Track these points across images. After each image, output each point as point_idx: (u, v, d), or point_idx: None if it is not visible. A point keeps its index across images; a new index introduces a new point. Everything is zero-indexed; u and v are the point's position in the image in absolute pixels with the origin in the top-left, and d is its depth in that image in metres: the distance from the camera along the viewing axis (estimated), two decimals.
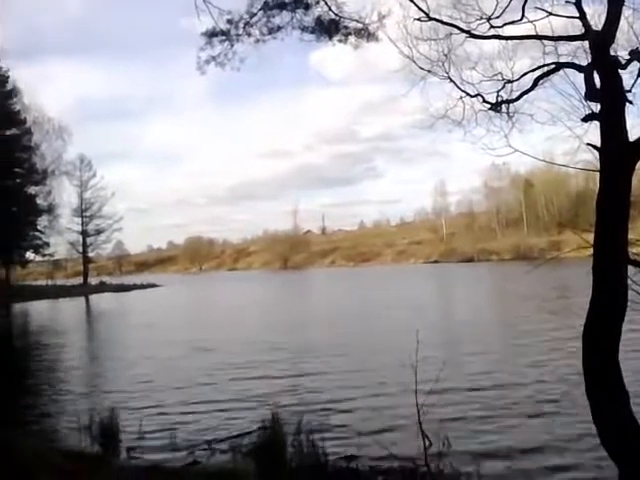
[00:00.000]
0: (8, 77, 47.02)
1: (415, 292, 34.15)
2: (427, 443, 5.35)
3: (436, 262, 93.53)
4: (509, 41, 8.33)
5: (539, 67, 8.13)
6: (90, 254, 69.42)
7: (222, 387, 10.69)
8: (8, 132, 46.37)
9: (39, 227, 55.51)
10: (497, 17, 8.02)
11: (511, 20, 8.06)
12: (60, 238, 61.04)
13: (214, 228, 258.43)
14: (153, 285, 65.40)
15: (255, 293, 43.21)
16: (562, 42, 7.17)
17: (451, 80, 8.85)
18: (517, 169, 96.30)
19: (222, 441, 7.38)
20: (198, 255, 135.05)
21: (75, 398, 10.52)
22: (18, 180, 49.87)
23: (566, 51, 7.46)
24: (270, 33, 8.50)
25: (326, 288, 47.33)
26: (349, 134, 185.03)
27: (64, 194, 61.88)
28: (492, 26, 8.09)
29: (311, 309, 28.54)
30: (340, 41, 8.71)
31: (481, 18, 8.27)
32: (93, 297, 51.48)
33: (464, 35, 8.21)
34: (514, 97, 8.53)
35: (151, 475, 5.83)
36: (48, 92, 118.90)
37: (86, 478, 5.30)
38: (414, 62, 8.94)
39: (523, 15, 7.21)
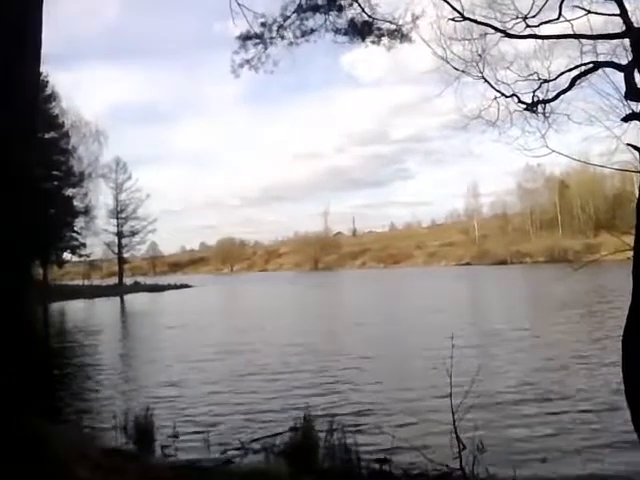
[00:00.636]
0: (47, 82, 48.15)
1: (448, 295, 33.82)
2: (461, 447, 5.29)
3: (468, 264, 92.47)
4: (545, 40, 8.20)
5: (576, 66, 7.97)
6: (125, 255, 70.63)
7: (254, 388, 10.74)
8: (47, 135, 47.44)
9: (76, 228, 56.82)
10: (533, 16, 7.90)
11: (548, 19, 7.93)
12: (96, 239, 62.33)
13: (246, 229, 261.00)
14: (186, 286, 66.26)
15: (286, 294, 43.39)
16: (601, 40, 7.03)
17: (485, 80, 8.75)
18: (551, 170, 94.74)
19: (255, 441, 7.42)
20: (230, 256, 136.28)
21: (111, 397, 10.72)
22: (56, 183, 51.04)
23: (605, 50, 7.29)
24: (303, 36, 8.55)
25: (357, 290, 47.21)
26: (380, 136, 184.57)
27: (100, 196, 63.33)
28: (528, 25, 7.98)
29: (343, 311, 28.52)
30: (373, 42, 8.70)
31: (517, 17, 8.15)
32: (128, 297, 52.40)
33: (499, 35, 8.11)
34: (550, 97, 8.39)
35: (185, 472, 5.90)
36: (85, 96, 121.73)
37: (121, 474, 5.39)
38: (448, 62, 8.86)
39: (560, 14, 7.07)
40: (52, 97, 50.30)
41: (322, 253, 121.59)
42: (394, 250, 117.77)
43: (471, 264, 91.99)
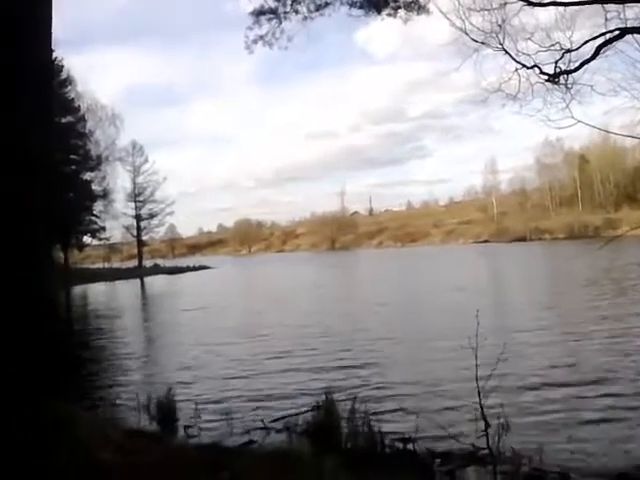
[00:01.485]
0: (62, 66, 48.23)
1: (468, 272, 33.57)
2: (487, 425, 5.22)
3: (486, 242, 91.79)
4: (568, 8, 7.92)
5: (601, 34, 7.69)
6: (144, 237, 71.39)
7: (276, 369, 10.74)
8: (63, 120, 47.67)
9: (95, 212, 57.35)
10: None
11: None
12: (115, 222, 62.96)
13: (262, 210, 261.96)
14: (205, 267, 66.76)
15: (304, 274, 43.47)
16: (628, 5, 6.76)
17: (506, 52, 8.51)
18: (571, 145, 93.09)
19: (277, 421, 7.43)
20: (247, 237, 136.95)
21: (133, 379, 10.82)
22: (74, 167, 51.39)
23: (633, 14, 7.02)
24: (318, 9, 8.38)
25: (375, 269, 47.16)
26: (396, 113, 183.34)
27: (118, 179, 63.85)
28: None
29: (362, 291, 28.47)
30: (389, 15, 8.50)
31: None
32: (148, 279, 52.94)
33: (520, 4, 7.87)
34: (573, 67, 8.13)
35: (208, 453, 5.91)
36: (100, 80, 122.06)
37: (144, 455, 5.41)
38: (466, 34, 8.64)
39: None
40: (67, 81, 50.42)
41: (339, 233, 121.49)
42: (411, 229, 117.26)
43: (489, 241, 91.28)
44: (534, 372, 9.18)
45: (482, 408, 4.91)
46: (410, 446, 6.08)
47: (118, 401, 9.09)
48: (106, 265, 70.16)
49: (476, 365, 4.89)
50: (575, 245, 49.89)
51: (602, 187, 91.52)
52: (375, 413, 6.78)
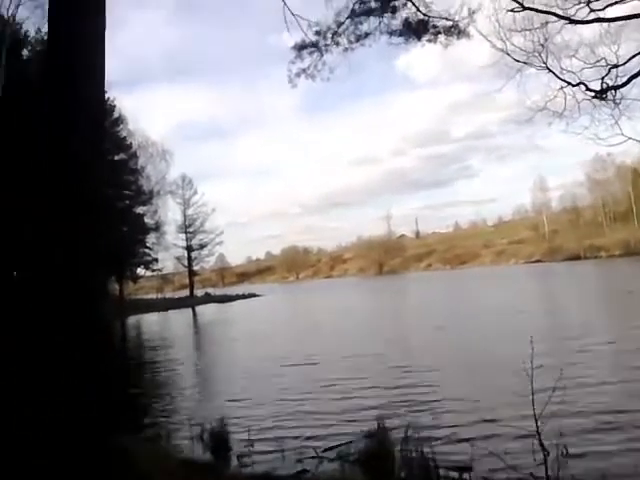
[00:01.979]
0: (114, 106, 50.27)
1: (523, 295, 32.65)
2: (546, 453, 5.05)
3: (539, 262, 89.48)
4: (612, 24, 7.80)
5: None
6: (195, 267, 72.75)
7: (327, 399, 10.65)
8: (117, 157, 49.52)
9: (148, 244, 58.91)
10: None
11: (613, 1, 7.55)
12: (167, 254, 64.46)
13: (309, 237, 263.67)
14: (254, 295, 67.49)
15: (353, 300, 43.28)
16: None
17: (550, 70, 8.44)
18: (622, 159, 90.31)
19: (329, 450, 7.38)
20: (295, 264, 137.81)
21: (187, 409, 10.92)
22: (127, 201, 53.10)
23: None
24: (358, 40, 8.52)
25: (424, 293, 46.50)
26: (439, 135, 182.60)
27: (169, 212, 65.55)
28: (592, 10, 7.62)
29: (412, 317, 28.07)
30: (429, 41, 8.55)
31: (579, 2, 7.81)
32: (199, 308, 53.81)
33: (562, 22, 7.80)
34: (621, 83, 7.96)
35: None
36: (149, 118, 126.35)
37: None
38: (508, 55, 8.63)
39: None
40: (119, 120, 52.38)
41: (386, 257, 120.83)
42: (460, 250, 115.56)
43: (542, 261, 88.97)
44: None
45: (539, 434, 4.77)
46: (466, 475, 5.94)
47: (172, 432, 9.20)
48: (159, 295, 71.62)
49: (532, 390, 4.77)
50: (633, 262, 47.99)
51: None
52: (429, 439, 6.64)
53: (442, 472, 6.00)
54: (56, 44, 4.86)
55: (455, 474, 6.04)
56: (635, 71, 7.27)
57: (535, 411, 4.78)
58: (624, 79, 7.69)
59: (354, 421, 8.62)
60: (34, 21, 28.99)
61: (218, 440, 7.98)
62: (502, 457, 5.68)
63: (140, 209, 56.74)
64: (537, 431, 4.78)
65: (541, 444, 4.82)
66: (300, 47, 8.39)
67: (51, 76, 4.86)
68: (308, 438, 8.08)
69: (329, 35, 8.21)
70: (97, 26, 4.91)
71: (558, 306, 26.17)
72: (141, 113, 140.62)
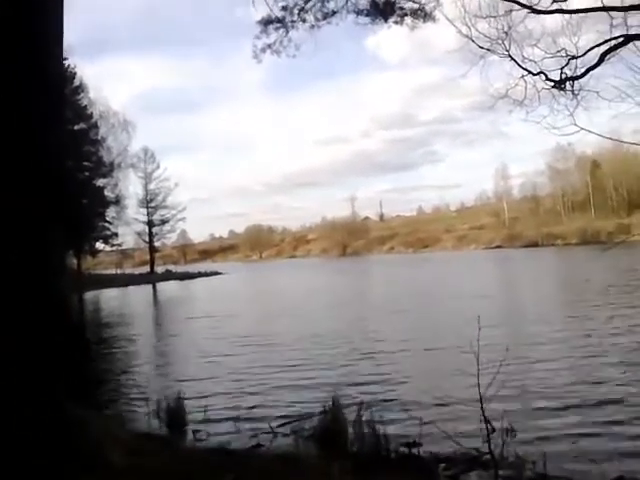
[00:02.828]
0: (75, 74, 48.85)
1: (481, 279, 33.43)
2: (490, 429, 5.26)
3: (498, 247, 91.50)
4: (574, 15, 7.95)
5: (606, 41, 7.71)
6: (156, 243, 72.03)
7: (283, 376, 10.78)
8: (76, 127, 48.24)
9: (107, 218, 57.95)
10: None
11: None
12: (127, 228, 63.58)
13: (273, 216, 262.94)
14: (216, 273, 67.17)
15: (315, 281, 43.53)
16: (633, 12, 6.79)
17: (512, 58, 8.56)
18: (583, 150, 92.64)
19: (284, 425, 7.49)
20: (258, 243, 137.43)
21: (143, 385, 10.89)
22: (86, 173, 51.98)
23: (637, 22, 7.05)
24: (325, 18, 8.48)
25: (386, 275, 47.12)
26: (406, 119, 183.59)
27: (130, 186, 64.46)
28: (555, 0, 7.75)
29: (372, 298, 28.46)
30: (396, 22, 8.58)
31: None
32: (160, 285, 53.32)
33: (525, 11, 7.92)
34: (579, 74, 8.15)
35: (217, 456, 5.99)
36: (112, 86, 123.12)
37: (154, 457, 5.50)
38: (473, 41, 8.70)
39: None
40: (80, 89, 51.04)
41: (350, 238, 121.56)
42: (422, 234, 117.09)
43: (501, 247, 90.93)
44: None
45: (484, 412, 4.95)
46: (415, 450, 6.12)
47: (128, 407, 9.20)
48: (118, 271, 70.68)
49: (478, 370, 4.94)
50: (588, 250, 49.49)
51: (614, 192, 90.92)
52: (381, 417, 6.80)
53: (392, 447, 6.16)
54: (9, 8, 4.70)
55: (405, 449, 6.22)
56: (592, 63, 7.45)
57: (480, 391, 4.96)
58: (582, 70, 7.86)
59: (309, 400, 8.73)
60: None
61: (174, 415, 7.99)
62: (450, 434, 5.89)
63: (100, 182, 55.70)
64: (482, 409, 4.96)
65: (486, 421, 5.01)
66: (266, 22, 8.32)
67: (3, 42, 4.71)
68: (263, 416, 8.15)
69: (295, 11, 8.16)
70: None
71: (511, 291, 26.96)
72: (104, 82, 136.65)
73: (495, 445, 5.18)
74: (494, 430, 5.50)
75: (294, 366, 11.61)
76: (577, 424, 6.85)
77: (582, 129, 7.14)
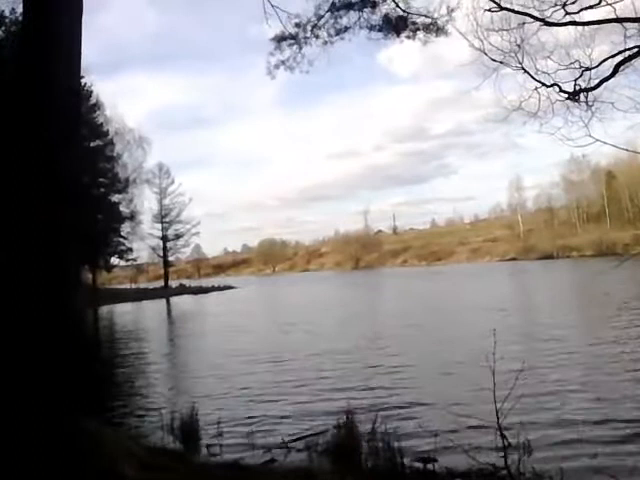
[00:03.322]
0: (91, 92, 49.51)
1: (496, 291, 33.11)
2: (506, 445, 5.19)
3: (513, 260, 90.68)
4: (587, 27, 7.94)
5: (620, 52, 7.68)
6: (170, 258, 72.11)
7: (297, 391, 10.73)
8: (92, 144, 48.76)
9: (122, 233, 58.25)
10: (573, 2, 7.65)
11: (588, 4, 7.68)
12: (142, 243, 63.80)
13: (286, 230, 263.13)
14: (230, 287, 67.21)
15: (328, 295, 43.37)
16: None
17: (525, 71, 8.55)
18: (597, 161, 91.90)
19: (298, 440, 7.45)
20: (271, 257, 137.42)
21: (158, 398, 10.91)
22: (102, 189, 52.42)
23: None
24: (338, 34, 8.55)
25: (399, 288, 46.85)
26: (419, 131, 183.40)
27: (145, 201, 64.72)
28: (568, 12, 7.75)
29: (386, 311, 28.25)
30: (408, 37, 8.62)
31: (555, 5, 7.92)
32: (174, 299, 53.44)
33: (538, 23, 7.92)
34: (593, 85, 8.12)
35: (230, 471, 5.96)
36: (128, 104, 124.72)
37: (168, 472, 5.49)
38: (485, 54, 8.72)
39: None
40: (96, 106, 51.64)
41: (363, 252, 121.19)
42: (436, 247, 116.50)
43: (516, 259, 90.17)
44: None
45: (500, 427, 4.89)
46: (430, 466, 6.05)
47: (142, 420, 9.20)
48: (133, 285, 70.99)
49: (494, 384, 4.89)
50: (603, 262, 48.93)
51: (630, 203, 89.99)
52: (396, 431, 6.74)
53: (407, 462, 6.10)
54: (30, 28, 4.80)
55: (419, 465, 6.15)
56: (606, 74, 7.41)
57: (496, 405, 4.90)
58: (596, 82, 7.82)
59: (323, 414, 8.68)
60: (9, 0, 28.46)
61: (187, 430, 7.99)
62: (465, 449, 5.82)
63: (116, 197, 56.07)
64: (498, 424, 4.90)
65: (502, 436, 4.94)
66: (279, 39, 8.39)
67: (25, 61, 4.79)
68: (276, 431, 8.11)
69: (309, 28, 8.23)
70: (74, 10, 4.86)
71: (527, 304, 26.63)
72: (119, 99, 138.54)
73: (512, 461, 5.11)
74: (510, 445, 5.41)
75: (308, 380, 11.56)
76: (596, 439, 6.74)
77: (597, 140, 7.09)
